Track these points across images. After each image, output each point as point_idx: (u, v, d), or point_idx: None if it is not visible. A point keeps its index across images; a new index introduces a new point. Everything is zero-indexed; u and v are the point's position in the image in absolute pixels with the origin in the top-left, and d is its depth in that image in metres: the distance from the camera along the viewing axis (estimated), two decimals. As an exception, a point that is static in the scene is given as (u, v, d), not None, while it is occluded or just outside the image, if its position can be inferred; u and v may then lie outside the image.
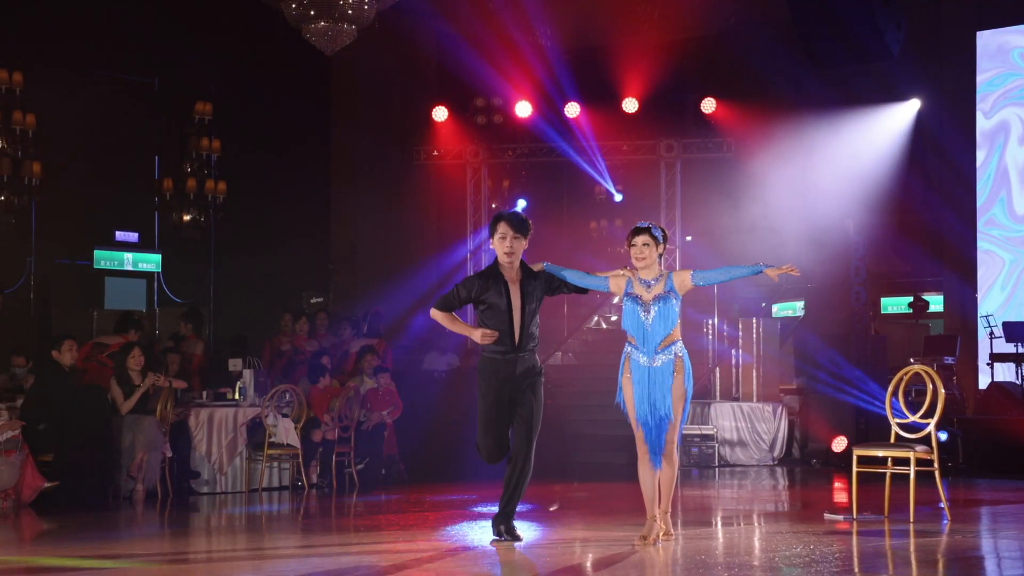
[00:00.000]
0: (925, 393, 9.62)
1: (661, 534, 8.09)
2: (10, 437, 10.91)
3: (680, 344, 8.11)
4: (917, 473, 9.33)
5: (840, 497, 12.07)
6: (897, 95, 17.50)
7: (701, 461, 15.78)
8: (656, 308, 8.04)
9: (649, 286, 8.10)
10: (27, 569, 7.83)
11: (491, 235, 8.38)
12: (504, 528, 8.26)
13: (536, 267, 8.37)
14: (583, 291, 8.49)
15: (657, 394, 8.01)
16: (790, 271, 8.11)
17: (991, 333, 15.95)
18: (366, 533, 9.49)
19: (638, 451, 8.10)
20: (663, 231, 8.22)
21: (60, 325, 15.55)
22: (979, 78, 16.99)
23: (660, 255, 8.16)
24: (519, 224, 8.31)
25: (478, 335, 8.19)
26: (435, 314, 8.37)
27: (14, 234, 15.71)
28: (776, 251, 17.90)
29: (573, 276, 8.29)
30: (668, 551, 7.78)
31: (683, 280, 8.08)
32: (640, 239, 8.10)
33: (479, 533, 8.95)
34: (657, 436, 8.02)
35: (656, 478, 8.08)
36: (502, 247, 8.27)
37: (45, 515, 10.55)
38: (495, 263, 8.35)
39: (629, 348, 8.14)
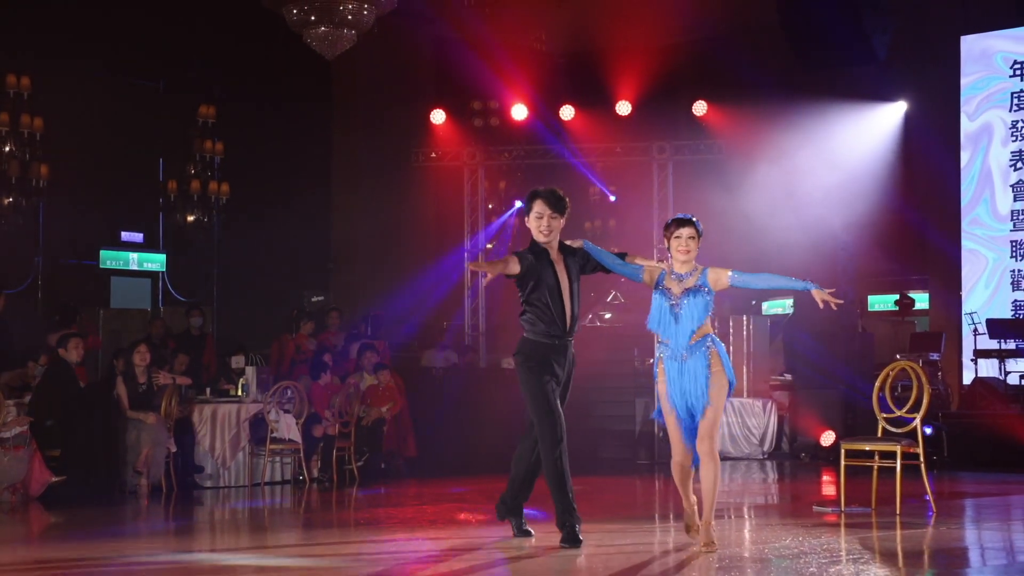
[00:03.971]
0: (911, 389, 9.63)
1: (702, 544, 7.39)
2: (18, 433, 10.91)
3: (712, 336, 7.51)
4: (903, 466, 9.34)
5: (828, 490, 12.08)
6: (884, 97, 17.51)
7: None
8: (686, 302, 7.46)
9: (681, 279, 7.52)
10: (35, 561, 7.83)
11: (526, 213, 7.75)
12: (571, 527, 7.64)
13: (575, 243, 7.79)
14: (608, 272, 7.88)
15: (691, 387, 7.40)
16: (833, 300, 7.66)
17: (975, 330, 15.97)
18: (366, 526, 9.50)
19: (672, 450, 7.54)
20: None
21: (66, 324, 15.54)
22: (963, 81, 16.99)
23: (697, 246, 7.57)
24: (556, 202, 7.69)
25: (490, 269, 7.62)
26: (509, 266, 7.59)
27: (22, 234, 15.71)
28: (765, 250, 17.93)
29: (610, 261, 7.71)
30: (664, 544, 7.78)
31: (719, 277, 7.51)
32: (686, 231, 7.50)
33: (476, 526, 8.95)
34: (693, 429, 7.45)
35: (692, 475, 7.54)
36: (539, 227, 7.67)
37: (53, 509, 10.56)
38: (535, 241, 7.72)
39: (659, 350, 7.57)
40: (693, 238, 7.50)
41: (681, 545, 7.70)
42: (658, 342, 7.58)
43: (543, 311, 7.65)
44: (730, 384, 7.52)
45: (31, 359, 12.64)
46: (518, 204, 18.88)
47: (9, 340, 13.19)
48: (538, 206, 7.66)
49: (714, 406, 7.39)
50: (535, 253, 7.66)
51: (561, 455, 7.62)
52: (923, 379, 9.57)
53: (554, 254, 7.70)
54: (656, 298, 7.53)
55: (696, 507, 7.63)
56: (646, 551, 7.36)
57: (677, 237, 7.50)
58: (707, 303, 7.49)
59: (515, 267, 7.56)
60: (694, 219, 7.55)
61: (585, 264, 7.77)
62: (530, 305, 7.67)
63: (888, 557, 7.53)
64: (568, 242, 7.80)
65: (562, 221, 7.70)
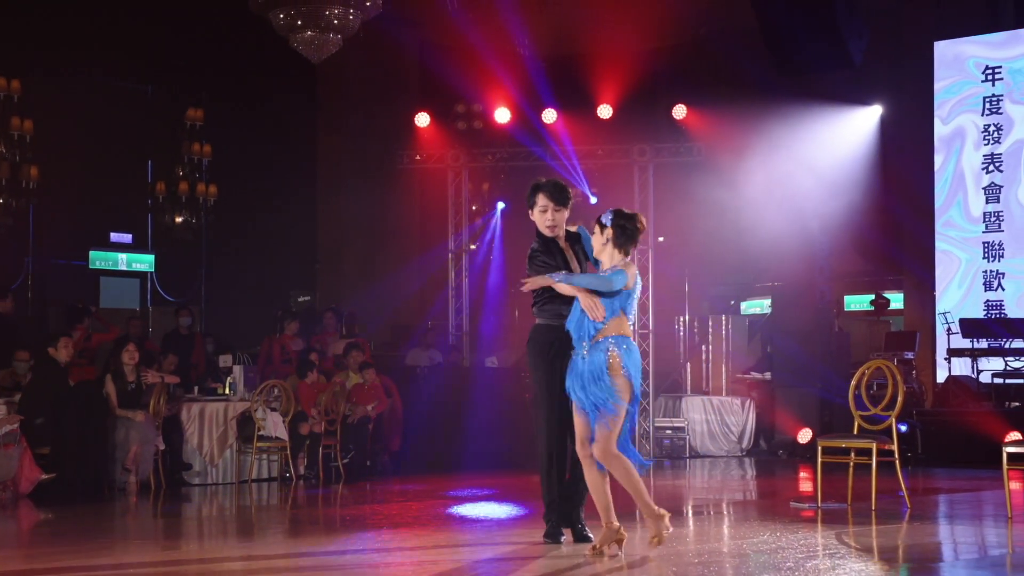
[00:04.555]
0: (886, 387, 9.67)
1: (652, 537, 7.09)
2: (9, 431, 10.88)
3: (615, 339, 6.95)
4: (878, 463, 9.37)
5: (805, 486, 12.12)
6: (860, 101, 17.57)
7: (673, 452, 15.82)
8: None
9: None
10: (25, 558, 7.81)
11: (529, 207, 7.51)
12: (577, 528, 7.45)
13: (572, 228, 7.57)
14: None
15: (593, 387, 6.92)
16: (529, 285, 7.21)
17: (948, 329, 16.03)
18: (352, 523, 9.49)
19: (577, 442, 7.07)
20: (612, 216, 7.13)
21: (57, 323, 15.50)
22: (937, 86, 17.05)
23: (606, 242, 7.08)
24: (559, 194, 7.48)
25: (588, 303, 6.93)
26: (564, 287, 7.12)
27: (12, 235, 15.65)
28: (744, 251, 17.99)
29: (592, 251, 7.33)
30: (643, 539, 7.78)
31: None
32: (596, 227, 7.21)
33: (460, 522, 8.95)
34: (592, 423, 6.96)
35: (605, 480, 7.07)
36: (543, 221, 7.45)
37: (42, 506, 10.52)
38: (541, 233, 7.49)
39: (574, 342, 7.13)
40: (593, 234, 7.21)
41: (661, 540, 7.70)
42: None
43: (557, 297, 7.28)
44: (633, 394, 6.98)
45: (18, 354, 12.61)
46: (501, 205, 18.86)
47: (15, 340, 13.15)
48: (541, 200, 7.47)
49: (616, 414, 6.88)
50: (545, 246, 7.47)
51: (553, 458, 7.41)
52: (898, 378, 9.60)
53: (562, 243, 7.52)
54: None
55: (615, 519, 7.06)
56: (625, 548, 7.36)
57: (593, 234, 7.25)
58: (610, 302, 6.98)
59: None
60: (599, 216, 7.15)
61: (585, 252, 7.50)
62: (544, 292, 7.38)
63: (864, 552, 7.55)
64: (569, 228, 7.59)
65: (566, 212, 7.52)
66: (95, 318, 13.99)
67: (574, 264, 7.45)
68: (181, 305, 15.69)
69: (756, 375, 16.65)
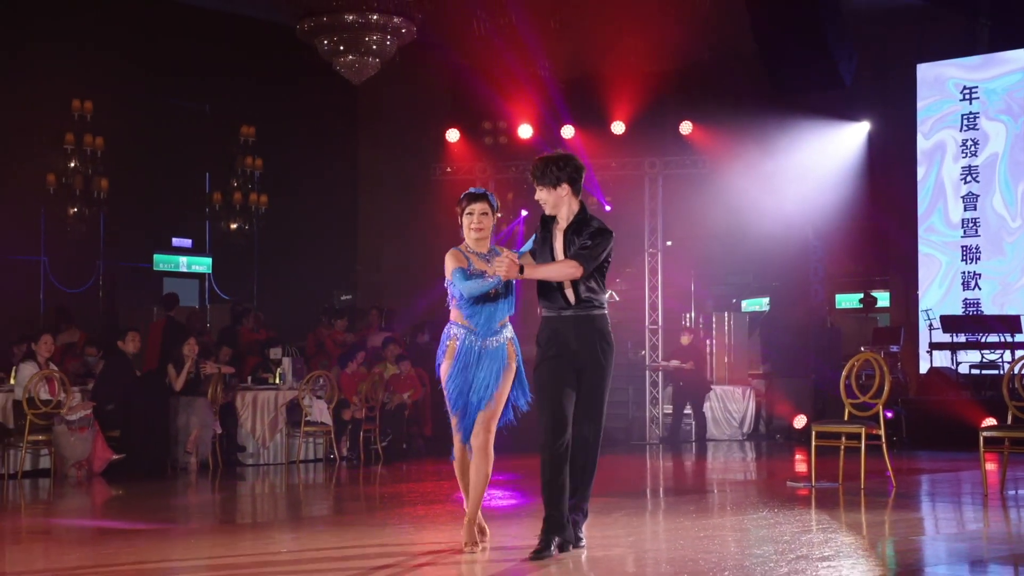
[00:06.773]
0: (874, 377, 9.66)
1: (465, 543, 6.42)
2: (83, 416, 10.99)
3: (449, 324, 6.42)
4: (867, 446, 9.37)
5: (800, 467, 12.11)
6: (850, 117, 17.51)
7: (681, 437, 15.82)
8: (505, 286, 6.22)
9: (488, 261, 6.25)
10: (99, 530, 7.89)
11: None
12: (571, 537, 6.27)
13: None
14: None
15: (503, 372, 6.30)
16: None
17: (930, 325, 15.98)
18: (390, 499, 9.55)
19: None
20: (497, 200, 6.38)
21: (125, 319, 15.64)
22: (919, 104, 16.98)
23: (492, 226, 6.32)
24: (540, 174, 6.23)
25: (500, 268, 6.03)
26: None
27: (85, 241, 15.80)
28: (745, 254, 17.97)
29: None
30: (646, 512, 7.82)
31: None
32: (479, 207, 6.26)
33: (488, 499, 9.00)
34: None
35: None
36: (541, 202, 6.33)
37: (113, 483, 10.63)
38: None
39: (460, 330, 6.33)
40: (486, 214, 6.29)
41: (670, 514, 7.72)
42: (461, 323, 6.36)
43: (545, 284, 6.28)
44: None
45: (89, 347, 12.72)
46: (524, 213, 18.89)
47: (184, 336, 13.27)
48: (535, 183, 6.30)
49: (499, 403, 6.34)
50: (544, 228, 6.40)
51: (551, 459, 6.30)
52: (884, 369, 9.60)
53: (562, 224, 6.32)
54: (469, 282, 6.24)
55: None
56: (637, 524, 7.40)
57: (469, 213, 6.28)
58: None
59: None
60: (487, 193, 6.32)
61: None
62: (543, 289, 6.33)
63: (853, 526, 7.57)
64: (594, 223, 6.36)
65: (558, 190, 6.25)
66: (253, 321, 14.28)
67: (558, 248, 6.32)
68: (236, 303, 15.78)
69: (766, 366, 16.61)
